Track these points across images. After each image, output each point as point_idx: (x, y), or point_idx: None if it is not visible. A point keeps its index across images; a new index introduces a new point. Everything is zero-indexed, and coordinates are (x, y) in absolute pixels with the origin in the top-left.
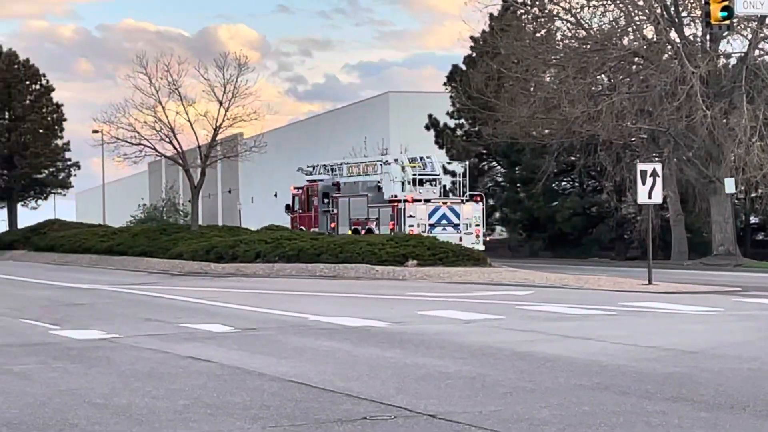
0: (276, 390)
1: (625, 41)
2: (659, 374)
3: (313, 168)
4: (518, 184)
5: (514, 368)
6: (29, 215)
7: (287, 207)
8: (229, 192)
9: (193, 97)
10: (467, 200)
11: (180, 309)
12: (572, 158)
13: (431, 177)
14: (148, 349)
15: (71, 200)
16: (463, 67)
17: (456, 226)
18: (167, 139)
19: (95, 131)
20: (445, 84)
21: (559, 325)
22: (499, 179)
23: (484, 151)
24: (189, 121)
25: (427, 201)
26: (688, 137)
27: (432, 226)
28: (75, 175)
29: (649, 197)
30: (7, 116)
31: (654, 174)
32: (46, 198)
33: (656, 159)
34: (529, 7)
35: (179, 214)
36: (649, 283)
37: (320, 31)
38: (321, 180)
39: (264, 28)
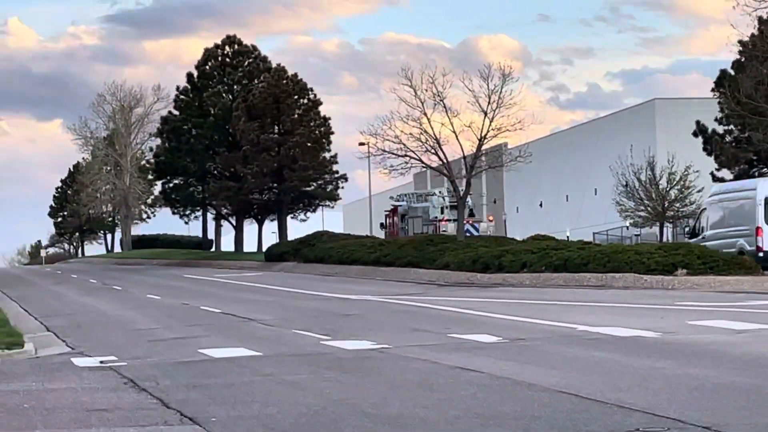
0: (546, 401)
1: None
2: None
3: (399, 197)
4: None
5: None
6: (298, 227)
7: (381, 225)
8: (494, 202)
9: (457, 108)
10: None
11: (447, 319)
12: None
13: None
14: (417, 359)
15: (339, 212)
16: (732, 72)
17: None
18: (432, 150)
19: (361, 143)
20: (712, 90)
21: None
22: None
23: (755, 158)
24: (454, 132)
25: (455, 221)
26: None
27: None
28: (342, 188)
29: None
30: (276, 130)
31: None
32: (314, 210)
33: None
34: None
35: None
36: None
37: (581, 40)
38: (401, 205)
39: (524, 37)
